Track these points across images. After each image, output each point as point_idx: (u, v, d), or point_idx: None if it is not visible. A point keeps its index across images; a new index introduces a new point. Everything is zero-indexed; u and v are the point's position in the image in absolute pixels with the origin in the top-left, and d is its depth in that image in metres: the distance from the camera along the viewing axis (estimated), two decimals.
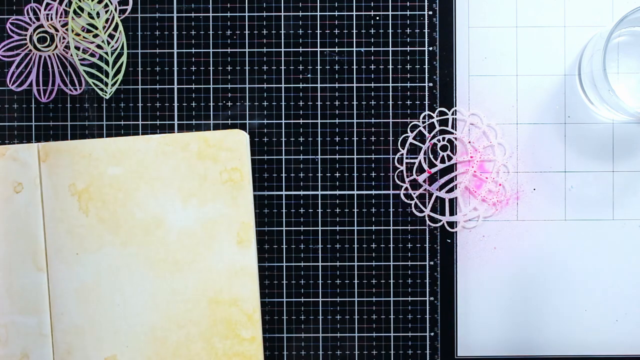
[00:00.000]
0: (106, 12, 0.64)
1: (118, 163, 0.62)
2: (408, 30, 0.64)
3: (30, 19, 0.64)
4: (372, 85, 0.65)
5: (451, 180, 0.64)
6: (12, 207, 0.62)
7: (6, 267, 0.62)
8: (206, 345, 0.63)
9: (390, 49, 0.65)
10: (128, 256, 0.62)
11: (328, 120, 0.65)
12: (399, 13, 0.64)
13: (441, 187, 0.64)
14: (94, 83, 0.65)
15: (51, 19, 0.64)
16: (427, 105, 0.64)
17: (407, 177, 0.64)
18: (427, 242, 0.64)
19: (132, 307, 0.62)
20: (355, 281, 0.65)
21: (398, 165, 0.64)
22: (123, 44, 0.65)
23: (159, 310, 0.62)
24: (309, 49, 0.65)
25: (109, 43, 0.64)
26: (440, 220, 0.64)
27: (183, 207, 0.62)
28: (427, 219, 0.64)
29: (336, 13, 0.65)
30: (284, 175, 0.65)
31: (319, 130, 0.65)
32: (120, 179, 0.62)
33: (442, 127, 0.64)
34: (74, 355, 0.62)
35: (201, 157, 0.62)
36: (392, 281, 0.65)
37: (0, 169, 0.62)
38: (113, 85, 0.65)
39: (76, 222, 0.62)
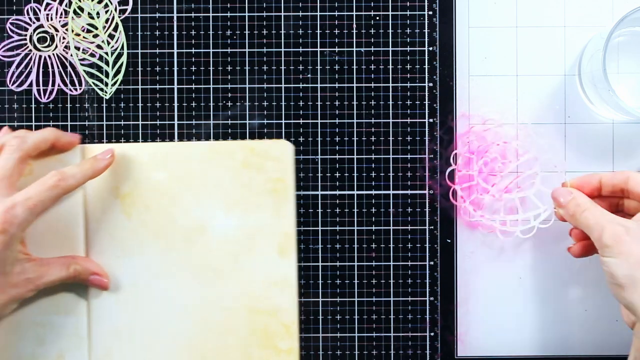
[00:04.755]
0: (106, 12, 0.64)
1: (163, 168, 0.62)
2: (408, 30, 0.64)
3: (30, 19, 0.64)
4: (372, 85, 0.65)
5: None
6: (54, 207, 0.62)
7: None
8: (243, 355, 0.62)
9: (390, 49, 0.65)
10: (169, 262, 0.62)
11: (328, 120, 0.65)
12: (399, 13, 0.64)
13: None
14: (94, 83, 0.65)
15: (51, 19, 0.64)
16: (427, 105, 0.64)
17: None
18: (427, 242, 0.65)
19: (170, 313, 0.62)
20: (355, 281, 0.65)
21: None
22: (123, 44, 0.65)
23: (198, 318, 0.62)
24: (309, 49, 0.65)
25: (109, 43, 0.65)
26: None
27: (226, 216, 0.62)
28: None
29: (336, 13, 0.65)
30: None
31: (319, 130, 0.65)
32: (165, 184, 0.62)
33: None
34: (110, 358, 0.62)
35: (246, 166, 0.62)
36: (392, 281, 0.65)
37: (45, 169, 0.61)
38: (113, 85, 0.65)
39: (118, 225, 0.62)
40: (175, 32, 0.65)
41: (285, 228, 0.62)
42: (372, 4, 0.64)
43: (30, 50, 0.65)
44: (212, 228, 0.62)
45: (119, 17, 0.64)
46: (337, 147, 0.65)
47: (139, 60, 0.65)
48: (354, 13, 0.65)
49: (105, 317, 0.62)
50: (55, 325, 0.61)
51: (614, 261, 0.53)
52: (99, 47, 0.65)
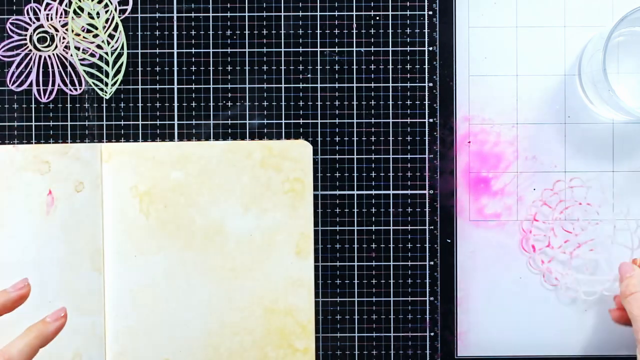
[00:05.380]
0: (106, 12, 0.64)
1: (181, 167, 0.62)
2: (408, 30, 0.64)
3: (30, 19, 0.64)
4: (372, 85, 0.65)
5: None
6: (72, 206, 0.62)
7: (63, 266, 0.62)
8: (259, 354, 0.62)
9: (390, 49, 0.65)
10: (186, 261, 0.62)
11: (328, 120, 0.65)
12: (399, 13, 0.64)
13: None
14: (94, 83, 0.65)
15: (51, 19, 0.64)
16: (427, 105, 0.64)
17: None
18: (427, 242, 0.65)
19: (187, 312, 0.62)
20: (355, 281, 0.65)
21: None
22: (123, 44, 0.65)
23: (214, 317, 0.62)
24: (309, 49, 0.65)
25: (109, 43, 0.64)
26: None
27: (243, 215, 0.62)
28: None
29: (336, 13, 0.65)
30: None
31: (319, 130, 0.65)
32: (183, 183, 0.62)
33: None
34: (126, 356, 0.62)
35: (264, 166, 0.62)
36: (392, 281, 0.65)
37: (63, 167, 0.62)
38: (113, 85, 0.65)
39: (136, 224, 0.62)
40: (175, 32, 0.65)
41: (303, 228, 0.62)
42: (372, 4, 0.64)
43: (30, 50, 0.65)
44: (229, 227, 0.62)
45: (119, 17, 0.64)
46: (337, 147, 0.65)
47: (139, 60, 0.65)
48: (354, 13, 0.65)
49: (121, 316, 0.62)
50: (72, 324, 0.61)
51: None
52: (99, 47, 0.65)
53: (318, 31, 0.65)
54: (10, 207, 0.62)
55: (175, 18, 0.65)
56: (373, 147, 0.65)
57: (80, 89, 0.65)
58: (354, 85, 0.65)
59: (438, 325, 0.65)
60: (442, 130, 0.64)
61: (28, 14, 0.64)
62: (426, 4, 0.64)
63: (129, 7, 0.65)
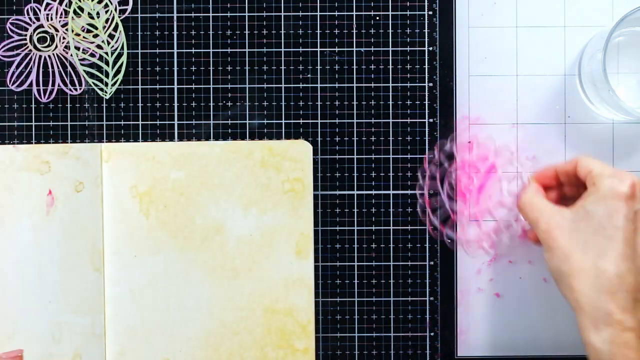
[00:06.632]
0: (106, 12, 0.64)
1: (181, 167, 0.62)
2: (408, 30, 0.64)
3: (30, 19, 0.64)
4: (372, 85, 0.65)
5: None
6: (72, 206, 0.62)
7: (63, 266, 0.62)
8: (259, 354, 0.63)
9: (390, 49, 0.65)
10: (186, 261, 0.62)
11: (328, 120, 0.65)
12: (399, 13, 0.64)
13: None
14: (94, 83, 0.65)
15: (51, 19, 0.64)
16: (427, 105, 0.64)
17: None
18: (427, 242, 0.65)
19: (187, 312, 0.62)
20: (355, 281, 0.65)
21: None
22: (123, 44, 0.65)
23: (214, 317, 0.62)
24: (309, 49, 0.65)
25: (109, 43, 0.65)
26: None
27: (243, 215, 0.62)
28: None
29: (336, 13, 0.65)
30: None
31: (319, 130, 0.65)
32: (183, 183, 0.62)
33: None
34: (127, 356, 0.62)
35: (264, 166, 0.62)
36: (392, 281, 0.65)
37: (63, 167, 0.62)
38: (113, 85, 0.65)
39: (136, 224, 0.62)
40: (175, 32, 0.65)
41: (303, 228, 0.63)
42: (372, 4, 0.64)
43: (30, 50, 0.65)
44: (229, 227, 0.62)
45: (119, 17, 0.64)
46: (337, 147, 0.65)
47: (139, 60, 0.65)
48: (354, 13, 0.65)
49: (121, 316, 0.62)
50: (71, 324, 0.61)
51: (546, 255, 0.54)
52: (99, 47, 0.65)
53: (318, 31, 0.65)
54: (10, 207, 0.62)
55: (175, 18, 0.65)
56: (373, 147, 0.65)
57: (80, 89, 0.65)
58: (354, 85, 0.65)
59: (438, 325, 0.65)
60: (442, 130, 0.64)
61: (28, 14, 0.64)
62: (426, 4, 0.64)
63: (129, 7, 0.65)
